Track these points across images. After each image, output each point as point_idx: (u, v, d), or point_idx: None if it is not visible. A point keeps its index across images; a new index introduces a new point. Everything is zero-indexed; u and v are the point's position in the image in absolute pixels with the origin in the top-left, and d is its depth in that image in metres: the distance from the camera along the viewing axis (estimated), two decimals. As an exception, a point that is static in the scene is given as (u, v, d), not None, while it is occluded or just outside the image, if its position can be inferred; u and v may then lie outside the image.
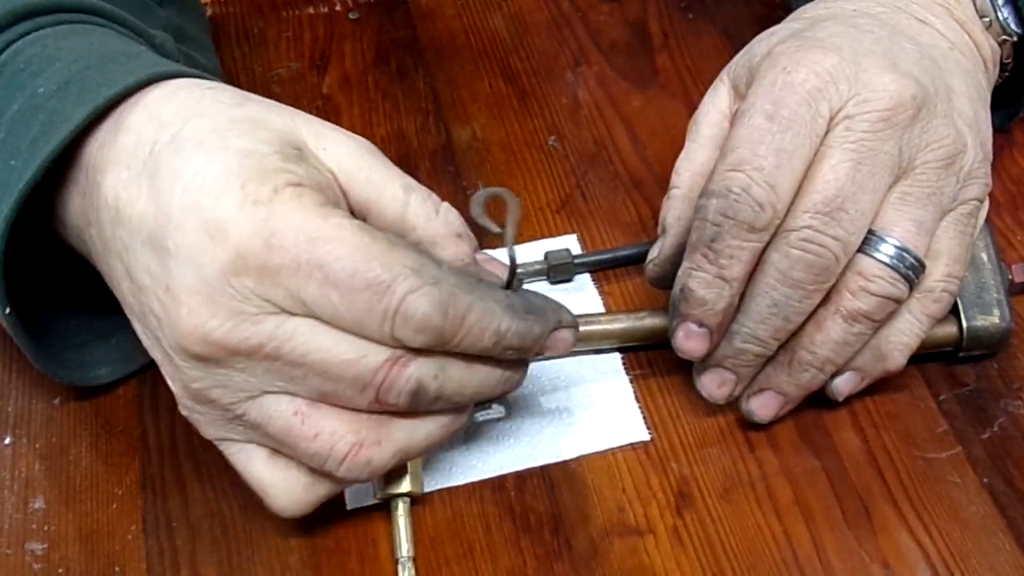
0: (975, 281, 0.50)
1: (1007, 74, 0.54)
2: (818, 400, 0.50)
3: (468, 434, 0.50)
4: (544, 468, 0.49)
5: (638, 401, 0.51)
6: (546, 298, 0.44)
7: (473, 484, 0.49)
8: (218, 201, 0.39)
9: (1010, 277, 0.51)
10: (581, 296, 0.55)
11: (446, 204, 0.45)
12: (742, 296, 0.46)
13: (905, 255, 0.45)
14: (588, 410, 0.51)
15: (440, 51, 0.68)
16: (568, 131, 0.63)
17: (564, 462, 0.49)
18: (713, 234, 0.45)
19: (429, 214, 0.44)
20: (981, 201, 0.48)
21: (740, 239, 0.45)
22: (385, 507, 0.47)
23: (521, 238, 0.57)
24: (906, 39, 0.48)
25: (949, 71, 0.49)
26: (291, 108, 0.44)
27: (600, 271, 0.56)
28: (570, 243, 0.57)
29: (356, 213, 0.43)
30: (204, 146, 0.40)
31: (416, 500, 0.48)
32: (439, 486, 0.49)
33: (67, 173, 0.44)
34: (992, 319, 0.50)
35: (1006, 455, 0.49)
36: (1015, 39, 0.52)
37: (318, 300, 0.39)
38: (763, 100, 0.46)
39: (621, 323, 0.51)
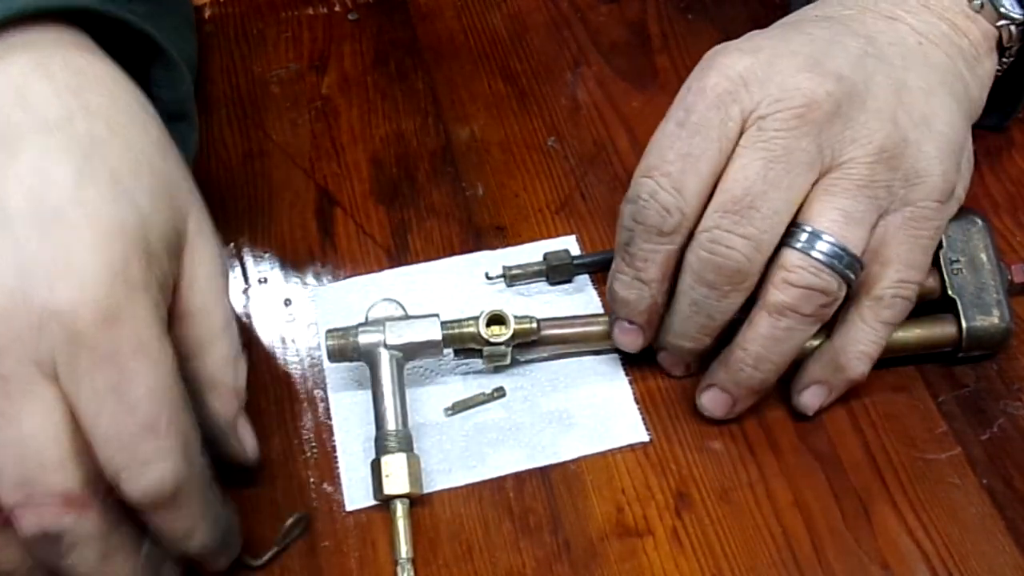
0: (975, 281, 0.50)
1: (1012, 58, 0.52)
2: (817, 401, 0.50)
3: (467, 435, 0.50)
4: (543, 469, 0.49)
5: (637, 402, 0.51)
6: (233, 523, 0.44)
7: (472, 485, 0.49)
8: (92, 254, 0.37)
9: (1009, 278, 0.51)
10: (580, 297, 0.55)
11: (243, 359, 0.45)
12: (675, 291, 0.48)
13: (830, 245, 0.45)
14: (587, 411, 0.51)
15: (439, 52, 0.68)
16: (567, 132, 0.63)
17: (563, 463, 0.49)
18: (627, 239, 0.47)
19: (227, 360, 0.44)
20: (936, 202, 0.47)
21: (652, 243, 0.46)
22: (384, 508, 0.47)
23: (520, 239, 0.57)
24: (856, 37, 0.47)
25: (906, 67, 0.47)
26: (192, 182, 0.44)
27: (599, 272, 0.56)
28: (569, 244, 0.57)
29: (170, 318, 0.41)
30: (118, 181, 0.39)
31: (415, 501, 0.47)
32: (438, 487, 0.49)
33: None
34: (992, 319, 0.50)
35: (1006, 456, 0.49)
36: (1019, 22, 0.50)
37: (92, 396, 0.37)
38: (677, 106, 0.46)
39: None
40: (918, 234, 0.47)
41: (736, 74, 0.46)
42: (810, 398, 0.49)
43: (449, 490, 0.49)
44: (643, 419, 0.50)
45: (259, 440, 0.50)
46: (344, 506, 0.48)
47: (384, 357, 0.49)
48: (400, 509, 0.47)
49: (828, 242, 0.45)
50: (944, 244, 0.50)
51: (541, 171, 0.61)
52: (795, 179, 0.45)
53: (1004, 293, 0.50)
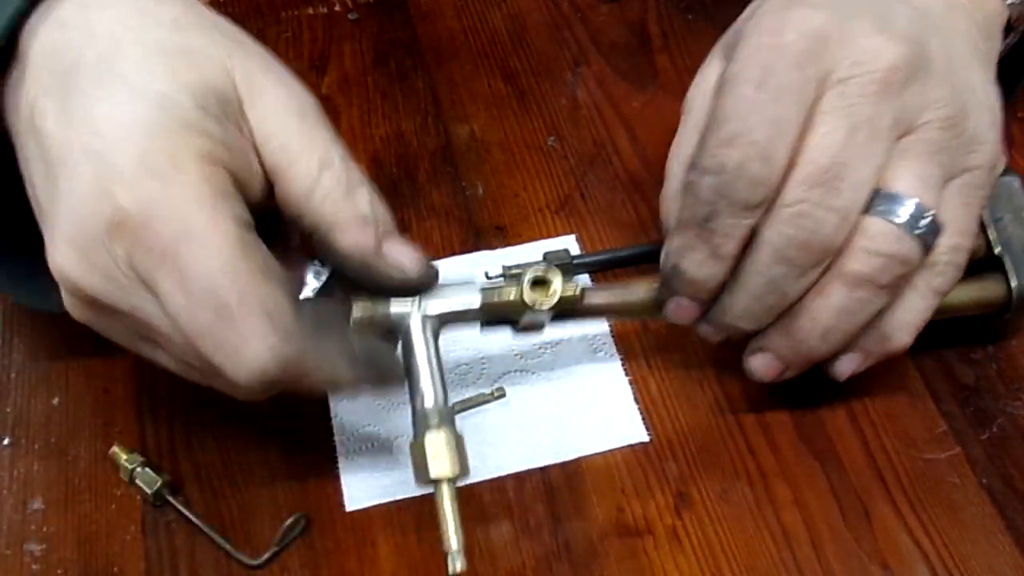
0: (1021, 238, 0.48)
1: (1017, 38, 0.51)
2: (817, 400, 0.50)
3: (467, 436, 0.50)
4: (543, 469, 0.49)
5: (637, 402, 0.51)
6: (389, 352, 0.44)
7: (472, 485, 0.49)
8: (116, 158, 0.38)
9: None
10: (580, 297, 0.55)
11: (363, 185, 0.43)
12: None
13: (911, 208, 0.42)
14: (587, 411, 0.51)
15: (439, 52, 0.68)
16: (567, 132, 0.63)
17: (563, 463, 0.49)
18: (707, 214, 0.43)
19: (338, 196, 0.42)
20: (990, 168, 0.45)
21: (736, 218, 0.43)
22: (383, 508, 0.48)
23: (520, 239, 0.57)
24: (899, 3, 0.46)
25: (947, 32, 0.46)
26: (238, 32, 0.43)
27: (599, 272, 0.56)
28: (569, 244, 0.57)
29: (268, 175, 0.42)
30: (126, 82, 0.39)
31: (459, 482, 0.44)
32: (438, 487, 0.49)
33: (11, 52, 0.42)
34: None
35: (1005, 456, 0.49)
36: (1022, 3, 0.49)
37: (167, 297, 0.38)
38: (751, 66, 0.43)
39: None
40: (972, 200, 0.45)
41: (812, 31, 0.43)
42: (846, 365, 0.46)
43: (449, 490, 0.49)
44: (643, 419, 0.50)
45: (258, 440, 0.50)
46: (344, 506, 0.48)
47: (417, 326, 0.45)
48: (447, 492, 0.42)
49: (909, 206, 0.43)
50: (986, 202, 0.48)
51: (541, 171, 0.61)
52: (878, 146, 0.43)
53: None
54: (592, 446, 0.50)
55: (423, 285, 0.45)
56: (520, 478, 0.49)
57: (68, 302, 0.41)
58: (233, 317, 0.38)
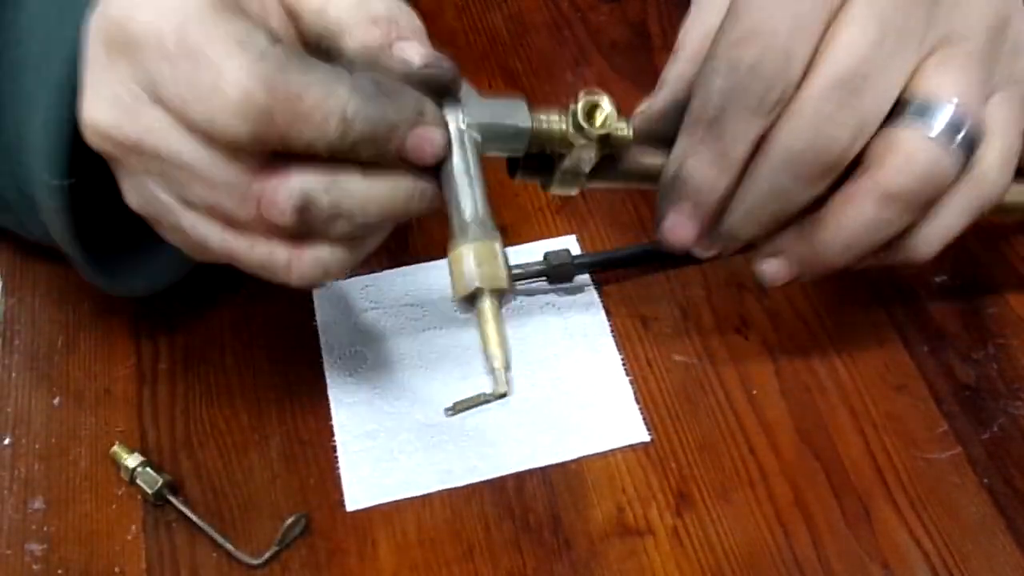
0: None
1: None
2: (818, 400, 0.50)
3: (468, 435, 0.50)
4: (544, 469, 0.49)
5: (638, 402, 0.51)
6: (406, 87, 0.40)
7: (473, 485, 0.49)
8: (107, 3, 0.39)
9: None
10: (581, 297, 0.55)
11: None
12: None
13: (949, 116, 0.40)
14: (588, 411, 0.51)
15: (439, 52, 0.67)
16: (568, 132, 0.63)
17: (564, 463, 0.49)
18: (716, 113, 0.40)
19: (350, 4, 0.40)
20: None
21: (747, 120, 0.40)
22: (384, 508, 0.48)
23: (521, 239, 0.57)
24: None
25: None
26: None
27: (600, 272, 0.56)
28: (570, 244, 0.57)
29: (289, 16, 0.41)
30: None
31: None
32: (439, 487, 0.49)
33: None
34: None
35: (1006, 455, 0.49)
36: None
37: (158, 77, 0.37)
38: None
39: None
40: (1019, 113, 0.43)
41: None
42: (859, 264, 0.44)
43: (450, 490, 0.49)
44: (644, 419, 0.50)
45: (258, 440, 0.50)
46: (345, 506, 0.48)
47: (456, 134, 0.42)
48: (490, 307, 0.40)
49: (944, 115, 0.40)
50: None
51: (541, 171, 0.61)
52: (909, 54, 0.40)
53: None
54: (592, 446, 0.50)
55: (434, 79, 0.41)
56: (521, 477, 0.49)
57: (124, 187, 0.41)
58: (202, 51, 0.36)
